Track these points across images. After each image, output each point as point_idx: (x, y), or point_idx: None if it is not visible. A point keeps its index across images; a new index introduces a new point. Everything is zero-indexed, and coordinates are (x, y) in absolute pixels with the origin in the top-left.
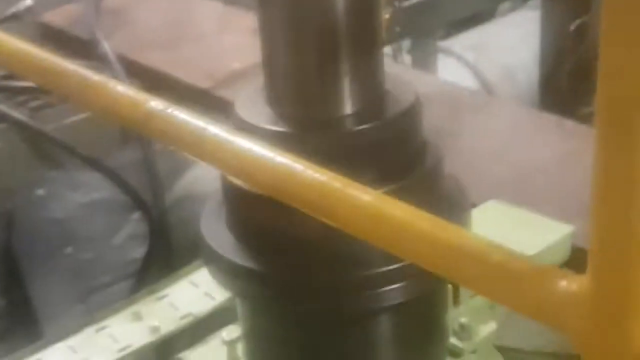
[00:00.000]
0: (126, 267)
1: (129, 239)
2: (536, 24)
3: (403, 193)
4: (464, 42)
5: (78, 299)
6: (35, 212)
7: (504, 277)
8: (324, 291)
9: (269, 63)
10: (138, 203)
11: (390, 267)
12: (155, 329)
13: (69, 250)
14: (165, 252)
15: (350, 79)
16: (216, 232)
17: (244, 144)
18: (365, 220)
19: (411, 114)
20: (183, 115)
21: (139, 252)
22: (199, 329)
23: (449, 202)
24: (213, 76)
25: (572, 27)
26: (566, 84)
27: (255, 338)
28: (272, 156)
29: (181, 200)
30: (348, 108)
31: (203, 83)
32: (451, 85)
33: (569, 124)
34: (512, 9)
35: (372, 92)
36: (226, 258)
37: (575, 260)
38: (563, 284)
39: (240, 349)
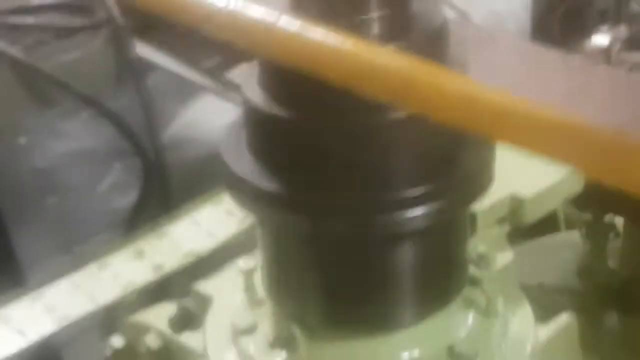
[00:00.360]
0: (110, 217)
1: (112, 188)
2: None
3: None
4: None
5: (62, 249)
6: (17, 161)
7: (614, 155)
8: (348, 212)
9: None
10: (134, 144)
11: (416, 191)
12: (158, 267)
13: (51, 200)
14: (162, 193)
15: None
16: (238, 156)
17: (317, 34)
18: (452, 105)
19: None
20: (249, 11)
21: (122, 201)
22: (200, 267)
23: None
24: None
25: None
26: (558, 30)
27: (275, 264)
28: (350, 44)
29: (176, 142)
30: None
31: None
32: (454, 18)
33: (576, 59)
34: None
35: None
36: (250, 181)
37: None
38: None
39: (256, 278)
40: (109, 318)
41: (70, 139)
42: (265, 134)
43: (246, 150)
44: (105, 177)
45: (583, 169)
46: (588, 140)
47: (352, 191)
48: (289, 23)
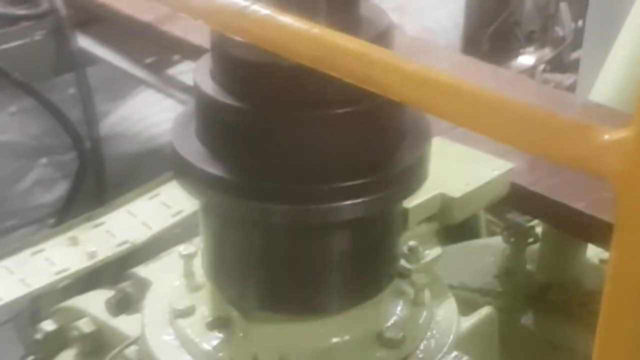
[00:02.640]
0: (32, 213)
1: (36, 184)
2: None
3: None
4: (387, 3)
5: None
6: None
7: (550, 131)
8: (285, 200)
9: None
10: (71, 134)
11: (354, 182)
12: (92, 254)
13: None
14: (97, 185)
15: None
16: (187, 144)
17: (285, 19)
18: (411, 87)
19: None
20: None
21: (46, 197)
22: (135, 257)
23: (415, 128)
24: (154, 9)
25: None
26: (487, 48)
27: (216, 249)
28: (313, 28)
29: (113, 135)
30: None
31: (146, 16)
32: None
33: (505, 72)
34: None
35: None
36: (197, 167)
37: (513, 196)
38: (606, 134)
39: (196, 263)
40: (41, 303)
41: None
42: (213, 122)
43: (195, 138)
44: (29, 172)
45: (520, 144)
46: (528, 119)
47: (289, 180)
48: (261, 8)
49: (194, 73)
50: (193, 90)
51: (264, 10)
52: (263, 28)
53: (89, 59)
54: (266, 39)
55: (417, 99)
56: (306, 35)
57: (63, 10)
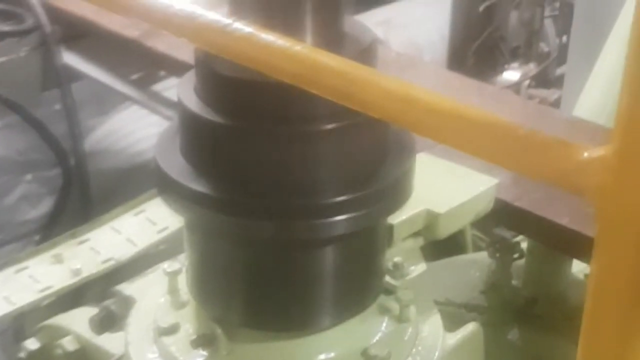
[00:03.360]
0: (17, 228)
1: (21, 199)
2: (443, 4)
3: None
4: (374, 17)
5: None
6: None
7: (530, 149)
8: (270, 216)
9: None
10: (55, 151)
11: (337, 199)
12: (76, 272)
13: None
14: (82, 201)
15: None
16: (171, 160)
17: (268, 37)
18: (391, 104)
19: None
20: (208, 15)
21: (31, 213)
22: (120, 274)
23: (399, 144)
24: (139, 25)
25: (481, 8)
26: (472, 63)
27: (200, 266)
28: (295, 46)
29: (98, 151)
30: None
31: (131, 32)
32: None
33: (489, 87)
34: None
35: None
36: (182, 184)
37: (498, 212)
38: (585, 152)
39: (180, 280)
40: (25, 321)
41: None
42: (196, 138)
43: (179, 154)
44: (15, 188)
45: (501, 162)
46: (508, 136)
47: (273, 197)
48: (243, 26)
49: (178, 89)
50: (177, 107)
51: (246, 28)
52: (245, 46)
53: (75, 75)
54: (248, 57)
55: (398, 117)
56: (287, 53)
57: (48, 27)
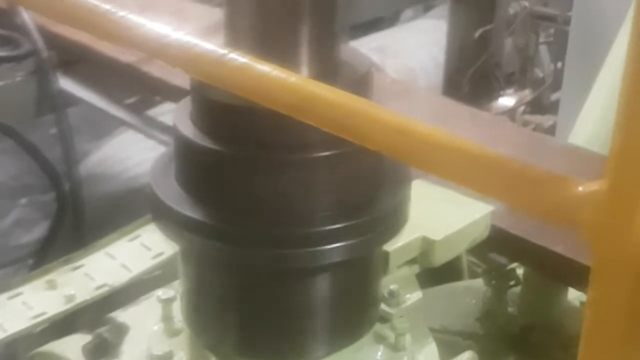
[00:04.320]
0: (11, 253)
1: (15, 224)
2: (438, 31)
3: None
4: (370, 44)
5: None
6: None
7: (524, 184)
8: (264, 244)
9: None
10: (50, 175)
11: (332, 227)
12: (70, 298)
13: None
14: (76, 226)
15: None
16: (165, 186)
17: (262, 67)
18: (387, 137)
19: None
20: (203, 45)
21: (25, 238)
22: (114, 300)
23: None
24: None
25: (476, 35)
26: (467, 89)
27: (195, 294)
28: (290, 77)
29: (92, 176)
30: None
31: (127, 57)
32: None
33: (484, 115)
34: (414, 17)
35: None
36: (175, 210)
37: (494, 239)
38: (579, 187)
39: (175, 308)
40: (17, 348)
41: None
42: (191, 164)
43: (173, 180)
44: (9, 212)
45: (496, 195)
46: (503, 170)
47: (268, 224)
48: (239, 57)
49: (174, 115)
50: (172, 133)
51: (241, 59)
52: (240, 76)
53: (70, 100)
54: (243, 87)
55: (393, 149)
56: (283, 84)
57: (44, 52)
